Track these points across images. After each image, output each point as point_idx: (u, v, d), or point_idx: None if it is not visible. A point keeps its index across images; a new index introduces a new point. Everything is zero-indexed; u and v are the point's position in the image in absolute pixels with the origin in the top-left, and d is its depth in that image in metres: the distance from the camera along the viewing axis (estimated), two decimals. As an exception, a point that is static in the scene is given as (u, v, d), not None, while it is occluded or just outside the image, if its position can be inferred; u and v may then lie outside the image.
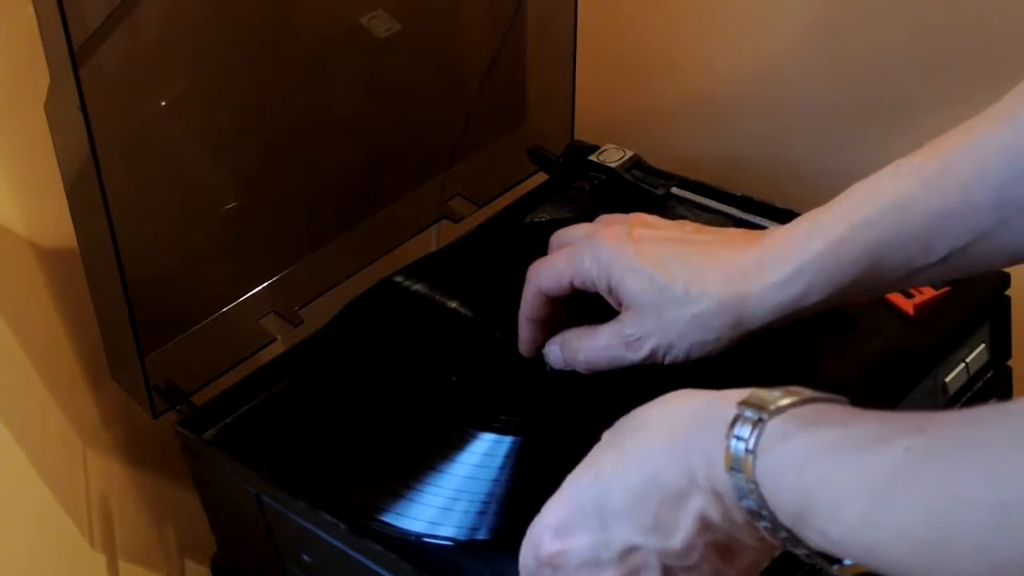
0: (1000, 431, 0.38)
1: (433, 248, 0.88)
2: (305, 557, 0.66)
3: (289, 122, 0.77)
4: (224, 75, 0.73)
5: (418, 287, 0.76)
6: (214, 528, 0.75)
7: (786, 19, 0.89)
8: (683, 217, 0.77)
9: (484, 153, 0.90)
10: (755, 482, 0.44)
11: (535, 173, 0.90)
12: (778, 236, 0.58)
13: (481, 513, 0.60)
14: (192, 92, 0.71)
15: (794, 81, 0.91)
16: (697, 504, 0.47)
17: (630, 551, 0.49)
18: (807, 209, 0.58)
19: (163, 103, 0.70)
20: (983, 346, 0.71)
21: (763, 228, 0.72)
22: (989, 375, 0.72)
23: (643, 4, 0.95)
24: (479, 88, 0.88)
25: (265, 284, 0.78)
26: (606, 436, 0.52)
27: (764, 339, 0.59)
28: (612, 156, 0.84)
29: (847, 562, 0.44)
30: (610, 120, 0.95)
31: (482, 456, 0.62)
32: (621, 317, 0.61)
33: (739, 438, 0.44)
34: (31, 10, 0.60)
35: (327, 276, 0.80)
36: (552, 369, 0.65)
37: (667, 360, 0.60)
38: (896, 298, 0.69)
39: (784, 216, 0.75)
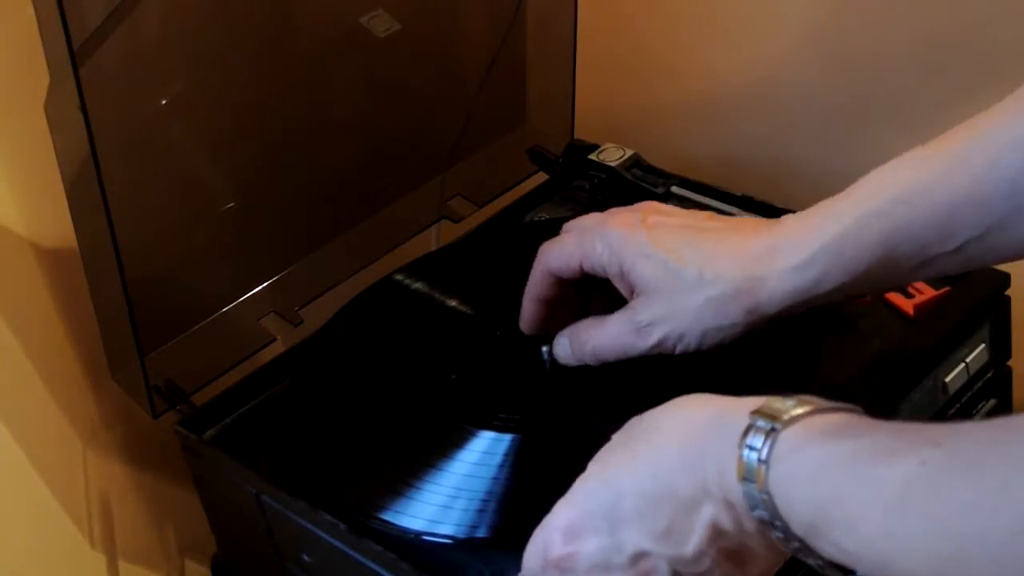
0: (1018, 444, 0.38)
1: (433, 248, 0.88)
2: (305, 557, 0.66)
3: (289, 122, 0.77)
4: (224, 75, 0.73)
5: (418, 285, 0.76)
6: (214, 528, 0.75)
7: (786, 19, 0.89)
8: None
9: (484, 153, 0.90)
10: (768, 492, 0.43)
11: (535, 173, 0.90)
12: (792, 223, 0.58)
13: (480, 511, 0.60)
14: (192, 92, 0.71)
15: (794, 81, 0.91)
16: (709, 512, 0.46)
17: (640, 556, 0.49)
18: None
19: (163, 103, 0.70)
20: (983, 346, 0.71)
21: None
22: (989, 375, 0.72)
23: (643, 4, 0.95)
24: (479, 88, 0.88)
25: (265, 284, 0.78)
26: (616, 437, 0.52)
27: (764, 339, 0.59)
28: (612, 155, 0.84)
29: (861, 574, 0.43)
30: (610, 120, 0.95)
31: (482, 454, 0.62)
32: (632, 304, 0.60)
33: (752, 448, 0.44)
34: (31, 10, 0.60)
35: (327, 276, 0.80)
36: (551, 367, 0.65)
37: (678, 349, 0.59)
38: (896, 298, 0.69)
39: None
